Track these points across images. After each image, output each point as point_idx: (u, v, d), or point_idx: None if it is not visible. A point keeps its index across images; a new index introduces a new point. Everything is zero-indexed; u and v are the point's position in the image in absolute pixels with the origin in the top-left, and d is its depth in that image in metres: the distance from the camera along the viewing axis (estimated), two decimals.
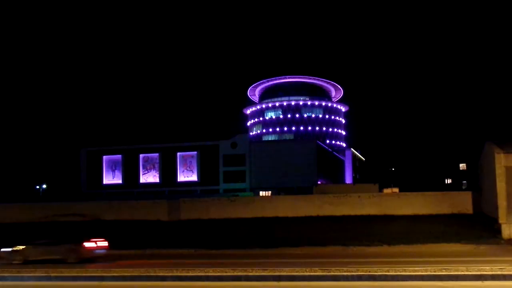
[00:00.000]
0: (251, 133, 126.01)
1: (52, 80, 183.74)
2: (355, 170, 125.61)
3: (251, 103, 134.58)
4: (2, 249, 35.35)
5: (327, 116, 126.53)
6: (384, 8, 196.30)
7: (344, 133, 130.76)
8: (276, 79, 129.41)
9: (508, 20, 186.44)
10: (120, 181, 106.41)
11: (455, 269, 21.59)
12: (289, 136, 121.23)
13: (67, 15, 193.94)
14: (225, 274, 22.38)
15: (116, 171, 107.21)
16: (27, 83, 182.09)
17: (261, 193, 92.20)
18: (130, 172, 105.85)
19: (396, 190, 74.79)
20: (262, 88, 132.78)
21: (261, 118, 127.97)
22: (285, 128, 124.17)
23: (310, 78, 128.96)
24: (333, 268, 22.64)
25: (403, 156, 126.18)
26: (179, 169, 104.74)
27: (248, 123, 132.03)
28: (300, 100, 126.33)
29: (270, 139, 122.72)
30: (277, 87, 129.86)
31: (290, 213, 54.25)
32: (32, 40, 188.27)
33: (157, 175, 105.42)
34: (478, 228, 44.09)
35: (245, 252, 39.23)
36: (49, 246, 34.31)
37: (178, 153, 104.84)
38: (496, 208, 43.41)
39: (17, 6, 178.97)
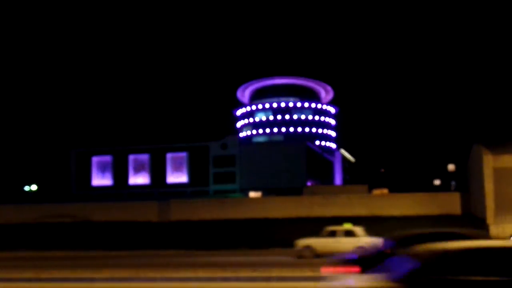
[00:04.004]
0: (241, 135, 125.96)
1: (41, 80, 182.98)
2: (344, 171, 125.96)
3: (241, 104, 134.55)
4: None
5: (316, 118, 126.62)
6: (374, 10, 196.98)
7: (334, 134, 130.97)
8: (265, 80, 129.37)
9: (497, 23, 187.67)
10: (109, 182, 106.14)
11: None
12: (279, 138, 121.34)
13: (56, 16, 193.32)
14: (215, 275, 22.47)
15: (105, 172, 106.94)
16: (15, 84, 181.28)
17: (251, 194, 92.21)
18: (120, 173, 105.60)
19: (385, 191, 74.99)
20: (252, 89, 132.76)
21: (251, 120, 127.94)
22: (275, 130, 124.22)
23: (300, 79, 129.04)
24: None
25: (393, 157, 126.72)
26: (169, 170, 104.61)
27: (238, 125, 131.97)
28: (290, 101, 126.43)
29: (260, 140, 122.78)
30: (266, 88, 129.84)
31: (280, 214, 54.39)
32: (21, 40, 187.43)
33: (147, 176, 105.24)
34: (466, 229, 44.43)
35: (235, 253, 39.35)
36: None
37: (168, 154, 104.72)
38: (484, 209, 43.83)
39: (10, 5, 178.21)
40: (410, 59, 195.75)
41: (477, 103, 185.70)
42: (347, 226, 36.39)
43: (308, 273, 21.91)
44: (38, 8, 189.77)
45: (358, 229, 35.37)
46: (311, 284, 20.80)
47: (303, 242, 35.22)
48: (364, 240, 34.12)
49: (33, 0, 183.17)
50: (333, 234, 35.29)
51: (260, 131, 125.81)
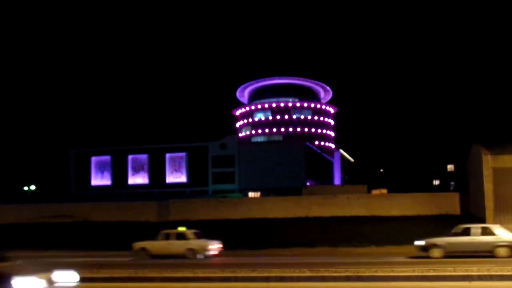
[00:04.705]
0: (240, 134, 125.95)
1: (41, 80, 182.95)
2: (343, 171, 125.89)
3: (240, 104, 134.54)
4: None
5: (316, 118, 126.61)
6: (373, 10, 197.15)
7: (333, 134, 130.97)
8: (265, 80, 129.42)
9: (497, 23, 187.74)
10: (108, 182, 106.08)
11: (442, 269, 21.76)
12: (278, 138, 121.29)
13: (56, 16, 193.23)
14: (213, 275, 22.42)
15: (104, 172, 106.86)
16: (15, 84, 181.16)
17: (250, 194, 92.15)
18: (119, 173, 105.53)
19: (384, 191, 74.97)
20: (251, 89, 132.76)
21: (250, 119, 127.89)
22: (274, 130, 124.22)
23: (299, 80, 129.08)
24: (321, 269, 22.73)
25: (392, 158, 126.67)
26: (168, 170, 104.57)
27: (237, 124, 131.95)
28: (289, 101, 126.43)
29: (259, 140, 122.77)
30: (266, 88, 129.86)
31: (279, 214, 54.31)
32: (21, 40, 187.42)
33: (146, 176, 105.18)
34: None
35: (234, 253, 39.30)
36: None
37: (167, 154, 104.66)
38: (483, 209, 43.79)
39: (11, 5, 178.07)
40: (409, 59, 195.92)
41: (476, 103, 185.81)
42: (180, 229, 37.79)
43: (308, 273, 21.87)
44: (38, 8, 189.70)
45: (189, 233, 36.67)
46: (311, 284, 20.79)
47: (139, 244, 36.82)
48: (193, 242, 35.63)
49: (33, 0, 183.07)
50: (167, 237, 36.76)
51: (259, 131, 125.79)
